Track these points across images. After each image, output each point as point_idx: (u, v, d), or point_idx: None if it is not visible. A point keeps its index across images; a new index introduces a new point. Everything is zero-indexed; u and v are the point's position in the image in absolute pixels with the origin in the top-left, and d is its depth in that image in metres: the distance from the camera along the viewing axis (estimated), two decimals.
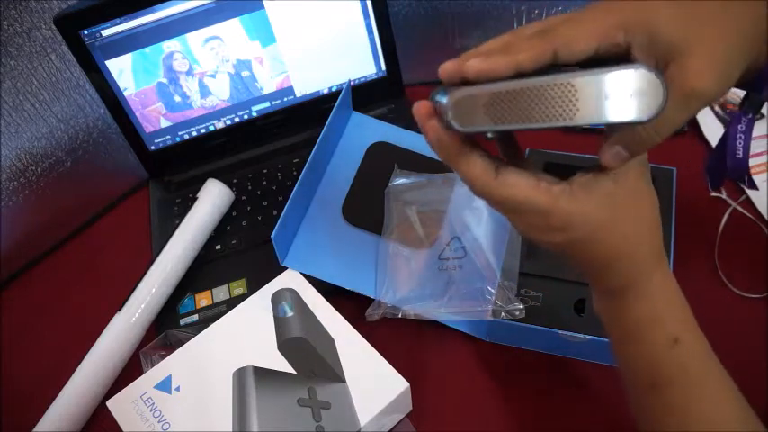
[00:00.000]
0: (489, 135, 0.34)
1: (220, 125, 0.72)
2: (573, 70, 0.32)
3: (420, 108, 0.37)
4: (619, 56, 0.34)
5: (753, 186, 0.47)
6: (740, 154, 0.44)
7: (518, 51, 0.33)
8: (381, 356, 0.52)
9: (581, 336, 0.52)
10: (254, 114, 0.73)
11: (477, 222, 0.59)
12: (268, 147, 0.75)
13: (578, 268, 0.40)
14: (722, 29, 0.34)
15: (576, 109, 0.32)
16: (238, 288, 0.64)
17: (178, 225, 0.64)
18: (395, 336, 0.58)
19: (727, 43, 0.34)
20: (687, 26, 0.33)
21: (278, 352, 0.44)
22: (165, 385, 0.52)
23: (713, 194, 0.64)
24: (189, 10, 0.63)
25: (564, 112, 0.32)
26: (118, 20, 0.62)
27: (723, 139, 0.45)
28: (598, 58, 0.34)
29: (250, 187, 0.72)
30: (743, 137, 0.44)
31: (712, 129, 0.69)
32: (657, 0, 0.34)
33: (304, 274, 0.57)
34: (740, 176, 0.45)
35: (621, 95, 0.31)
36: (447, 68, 0.35)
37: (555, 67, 0.34)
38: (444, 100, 0.34)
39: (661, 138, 0.34)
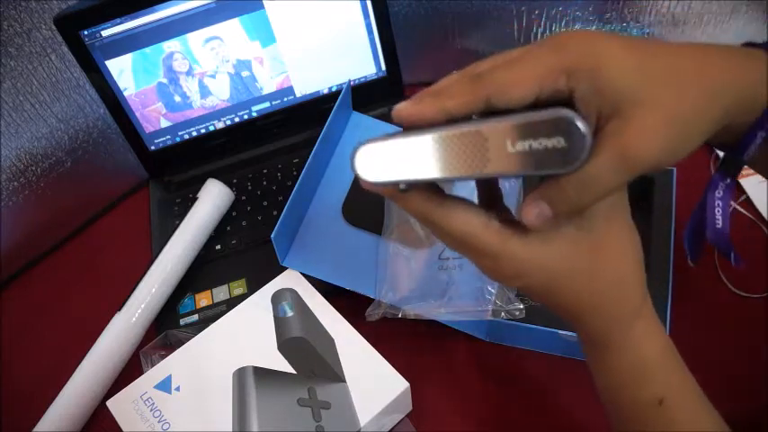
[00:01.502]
0: (402, 187, 0.32)
1: (220, 125, 0.72)
2: (491, 117, 0.29)
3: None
4: (562, 102, 0.29)
5: (738, 262, 0.41)
6: (720, 224, 0.39)
7: (449, 96, 0.30)
8: (381, 356, 0.52)
9: None
10: (254, 114, 0.73)
11: None
12: (268, 147, 0.75)
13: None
14: (688, 83, 0.30)
15: (486, 159, 0.29)
16: (238, 288, 0.64)
17: (178, 225, 0.64)
18: (395, 336, 0.58)
19: (688, 105, 0.29)
20: (641, 79, 0.29)
21: (278, 352, 0.44)
22: (165, 385, 0.52)
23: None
24: (189, 10, 0.63)
25: (474, 164, 0.30)
26: (118, 20, 0.62)
27: (701, 207, 0.40)
28: (540, 104, 0.30)
29: (250, 187, 0.72)
30: (721, 204, 0.39)
31: None
32: (610, 43, 0.29)
33: (304, 274, 0.57)
34: (724, 250, 0.41)
35: (538, 144, 0.28)
36: (395, 110, 0.32)
37: (492, 112, 0.31)
38: (352, 154, 0.32)
39: (590, 200, 0.30)
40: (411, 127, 0.32)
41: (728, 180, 0.38)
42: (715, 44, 0.32)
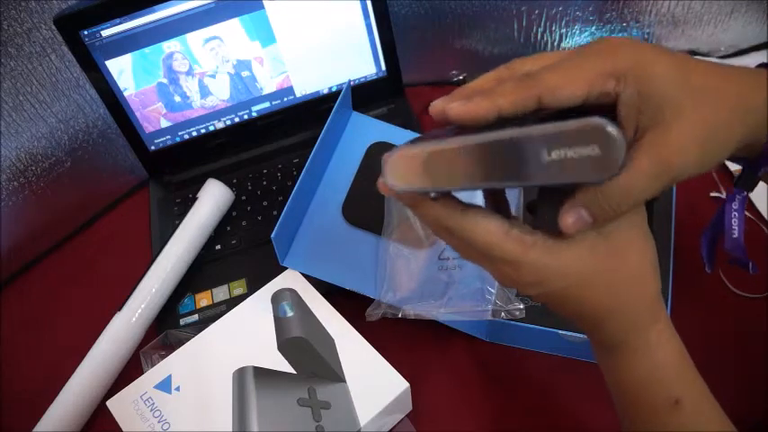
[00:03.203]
0: (433, 195, 0.32)
1: (220, 125, 0.72)
2: (529, 123, 0.29)
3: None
4: (608, 106, 0.31)
5: (755, 270, 0.43)
6: (736, 234, 0.42)
7: (501, 95, 0.30)
8: (381, 356, 0.52)
9: (581, 336, 0.52)
10: (254, 114, 0.73)
11: None
12: (268, 147, 0.75)
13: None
14: (722, 100, 0.31)
15: (520, 168, 0.29)
16: (238, 288, 0.64)
17: (178, 225, 0.64)
18: (395, 336, 0.58)
19: (723, 117, 0.31)
20: (683, 90, 0.30)
21: (278, 352, 0.44)
22: (165, 385, 0.52)
23: (713, 194, 0.64)
24: (189, 10, 0.63)
25: (508, 172, 0.29)
26: (118, 20, 0.62)
27: (718, 218, 0.43)
28: (587, 106, 0.31)
29: (250, 187, 0.72)
30: (737, 215, 0.41)
31: None
32: (658, 56, 0.31)
33: (304, 274, 0.57)
34: (740, 259, 0.42)
35: (573, 152, 0.28)
36: (435, 107, 0.32)
37: (535, 113, 0.31)
38: (385, 161, 0.32)
39: (629, 206, 0.31)
40: (436, 133, 0.32)
41: (744, 193, 0.40)
42: (745, 68, 0.34)
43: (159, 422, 0.50)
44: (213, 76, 0.69)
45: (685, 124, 0.30)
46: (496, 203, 0.38)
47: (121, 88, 0.66)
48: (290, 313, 0.44)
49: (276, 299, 0.45)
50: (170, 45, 0.65)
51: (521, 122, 0.30)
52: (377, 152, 0.66)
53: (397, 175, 0.31)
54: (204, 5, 0.64)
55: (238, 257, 0.67)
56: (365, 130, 0.67)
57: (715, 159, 0.32)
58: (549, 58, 0.33)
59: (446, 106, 0.31)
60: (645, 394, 0.36)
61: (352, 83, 0.72)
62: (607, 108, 0.31)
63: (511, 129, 0.29)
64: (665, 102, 0.30)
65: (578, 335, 0.52)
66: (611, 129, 0.27)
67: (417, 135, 0.67)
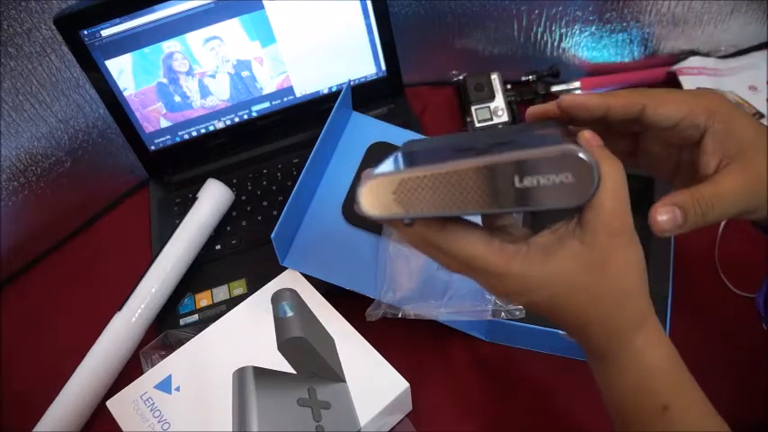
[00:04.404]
0: (407, 221, 0.32)
1: (220, 125, 0.72)
2: (496, 153, 0.29)
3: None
4: (692, 139, 0.37)
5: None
6: None
7: (613, 95, 0.36)
8: (381, 356, 0.52)
9: None
10: (254, 114, 0.73)
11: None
12: (268, 147, 0.75)
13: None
14: None
15: (494, 195, 0.29)
16: (238, 288, 0.64)
17: (178, 225, 0.64)
18: (395, 336, 0.58)
19: None
20: (758, 135, 0.36)
21: (278, 352, 0.44)
22: (165, 385, 0.52)
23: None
24: (189, 10, 0.63)
25: (481, 200, 0.30)
26: (118, 20, 0.62)
27: None
28: (678, 133, 0.37)
29: (250, 187, 0.72)
30: None
31: None
32: (737, 108, 0.37)
33: (304, 274, 0.57)
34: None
35: (546, 180, 0.29)
36: (535, 111, 0.39)
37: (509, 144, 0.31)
38: (357, 189, 0.32)
39: (717, 217, 0.36)
40: (415, 160, 0.32)
41: None
42: None
43: (159, 422, 0.50)
44: (213, 76, 0.69)
45: (762, 159, 0.36)
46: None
47: (121, 88, 0.66)
48: (290, 313, 0.44)
49: (276, 299, 0.45)
50: (170, 45, 0.65)
51: (493, 151, 0.30)
52: (377, 152, 0.66)
53: (371, 205, 0.32)
54: (204, 5, 0.64)
55: (238, 257, 0.67)
56: (365, 130, 0.67)
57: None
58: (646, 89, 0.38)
59: (561, 98, 0.37)
60: (633, 401, 0.36)
61: (352, 83, 0.72)
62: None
63: (482, 156, 0.30)
64: (746, 140, 0.36)
65: None
66: (584, 156, 0.27)
67: (418, 133, 0.67)
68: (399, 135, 0.67)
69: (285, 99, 0.73)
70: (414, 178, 0.30)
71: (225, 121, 0.72)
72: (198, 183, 0.68)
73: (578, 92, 0.33)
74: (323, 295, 0.56)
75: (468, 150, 0.31)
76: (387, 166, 0.32)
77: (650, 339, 0.36)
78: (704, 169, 0.37)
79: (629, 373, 0.36)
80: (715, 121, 0.36)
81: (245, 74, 0.69)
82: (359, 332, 0.53)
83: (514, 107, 0.74)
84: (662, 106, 0.36)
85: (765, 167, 0.36)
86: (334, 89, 0.73)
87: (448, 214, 0.31)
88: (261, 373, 0.45)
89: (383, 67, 0.73)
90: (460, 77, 0.77)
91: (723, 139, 0.36)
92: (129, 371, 0.58)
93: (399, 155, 0.34)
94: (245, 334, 0.54)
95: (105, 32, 0.63)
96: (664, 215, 0.35)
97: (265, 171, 0.73)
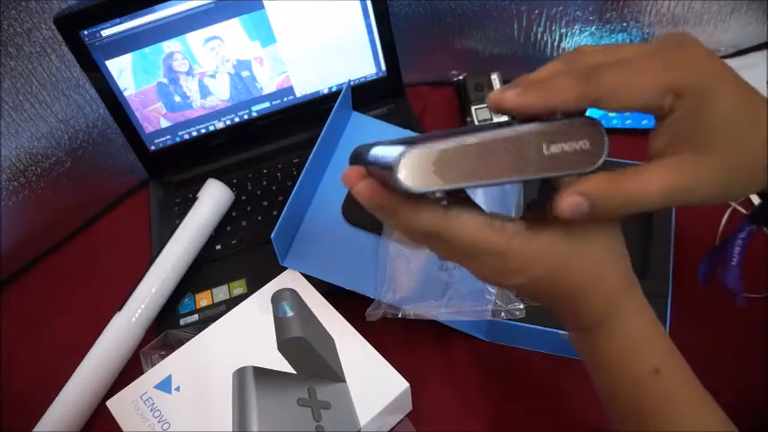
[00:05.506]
0: (439, 195, 0.32)
1: (220, 125, 0.72)
2: (523, 124, 0.31)
3: (350, 175, 0.34)
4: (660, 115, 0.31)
5: (742, 303, 0.46)
6: (735, 261, 0.45)
7: (559, 92, 0.31)
8: (381, 356, 0.52)
9: None
10: (254, 114, 0.73)
11: None
12: (268, 147, 0.75)
13: (548, 307, 0.38)
14: (763, 144, 0.31)
15: (525, 163, 0.31)
16: (238, 288, 0.64)
17: (178, 225, 0.64)
18: (395, 336, 0.58)
19: (758, 161, 0.31)
20: (732, 128, 0.30)
21: (278, 352, 0.44)
22: (165, 385, 0.52)
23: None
24: (189, 10, 0.63)
25: (514, 167, 0.31)
26: (118, 20, 0.62)
27: (724, 243, 0.45)
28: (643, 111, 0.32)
29: (250, 187, 0.72)
30: (741, 244, 0.44)
31: None
32: (723, 78, 0.31)
33: (304, 274, 0.57)
34: (733, 287, 0.46)
35: (568, 146, 0.31)
36: (494, 96, 0.33)
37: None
38: (391, 159, 0.32)
39: (628, 212, 0.32)
40: (432, 138, 0.32)
41: (755, 226, 0.42)
42: None
43: (159, 422, 0.50)
44: (213, 76, 0.69)
45: (719, 161, 0.31)
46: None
47: (121, 88, 0.66)
48: (290, 313, 0.45)
49: (276, 299, 0.45)
50: (170, 45, 0.65)
51: (513, 125, 0.32)
52: None
53: (412, 176, 0.31)
54: (204, 5, 0.64)
55: (238, 257, 0.67)
56: (365, 130, 0.67)
57: (737, 197, 0.34)
58: (613, 53, 0.32)
59: (503, 95, 0.32)
60: (626, 366, 0.37)
61: (352, 83, 0.72)
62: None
63: (512, 128, 0.31)
64: (711, 135, 0.30)
65: None
66: (601, 127, 0.31)
67: (417, 133, 0.67)
68: (399, 135, 0.67)
69: (285, 99, 0.73)
70: (455, 148, 0.31)
71: (225, 121, 0.72)
72: (198, 183, 0.68)
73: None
74: (323, 295, 0.56)
75: (484, 128, 0.32)
76: (393, 149, 0.32)
77: (639, 303, 0.37)
78: (649, 149, 0.32)
79: (620, 338, 0.36)
80: (681, 105, 0.30)
81: (245, 74, 0.69)
82: (359, 332, 0.53)
83: None
84: (618, 97, 0.30)
85: (717, 168, 0.31)
86: (334, 89, 0.73)
87: (482, 183, 0.32)
88: (261, 373, 0.45)
89: (383, 67, 0.73)
90: (460, 77, 0.77)
91: (682, 122, 0.30)
92: (129, 371, 0.58)
93: (398, 142, 0.34)
94: (245, 334, 0.54)
95: (105, 32, 0.63)
96: (566, 202, 0.32)
97: (265, 171, 0.73)
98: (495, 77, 0.74)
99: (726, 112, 0.30)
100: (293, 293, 0.46)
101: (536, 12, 0.72)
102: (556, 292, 0.36)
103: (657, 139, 0.32)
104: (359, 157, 0.37)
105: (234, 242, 0.68)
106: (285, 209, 0.54)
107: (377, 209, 0.34)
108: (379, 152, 0.33)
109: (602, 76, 0.31)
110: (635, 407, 0.37)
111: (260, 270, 0.61)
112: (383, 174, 0.32)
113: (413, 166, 0.31)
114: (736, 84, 0.31)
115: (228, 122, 0.72)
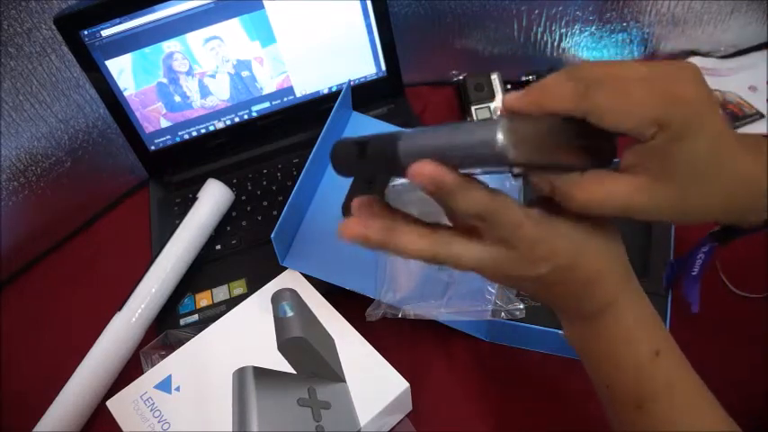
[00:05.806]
0: (516, 171, 0.33)
1: (220, 125, 0.72)
2: None
3: (425, 168, 0.33)
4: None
5: (695, 310, 0.50)
6: (695, 272, 0.48)
7: (553, 99, 0.33)
8: (381, 356, 0.52)
9: None
10: (254, 114, 0.73)
11: None
12: (268, 147, 0.75)
13: (551, 301, 0.38)
14: (726, 185, 0.33)
15: (570, 148, 0.33)
16: (238, 288, 0.64)
17: (178, 225, 0.64)
18: (395, 336, 0.58)
19: (717, 201, 0.34)
20: (705, 166, 0.32)
21: (278, 352, 0.44)
22: (165, 385, 0.52)
23: None
24: (189, 10, 0.63)
25: (568, 152, 0.33)
26: (118, 20, 0.62)
27: (689, 255, 0.48)
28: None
29: (250, 187, 0.72)
30: (703, 258, 0.46)
31: None
32: (708, 120, 0.32)
33: (304, 274, 0.57)
34: (689, 296, 0.49)
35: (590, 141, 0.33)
36: (503, 99, 0.36)
37: None
38: (484, 134, 0.31)
39: (590, 210, 0.34)
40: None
41: (716, 244, 0.44)
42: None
43: (159, 422, 0.50)
44: (213, 76, 0.69)
45: (677, 194, 0.33)
46: None
47: (121, 88, 0.66)
48: (290, 313, 0.44)
49: (276, 299, 0.45)
50: (170, 45, 0.65)
51: None
52: None
53: (515, 146, 0.31)
54: (204, 5, 0.64)
55: (238, 257, 0.67)
56: (365, 130, 0.67)
57: (696, 224, 0.35)
58: (617, 70, 0.33)
59: (508, 96, 0.35)
60: (627, 349, 0.37)
61: (352, 83, 0.72)
62: None
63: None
64: (678, 169, 0.32)
65: None
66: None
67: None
68: None
69: (285, 99, 0.73)
70: (550, 126, 0.33)
71: (225, 121, 0.72)
72: (198, 183, 0.68)
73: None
74: (323, 295, 0.56)
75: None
76: (477, 126, 0.32)
77: (637, 293, 0.38)
78: (622, 161, 0.34)
79: (621, 324, 0.37)
80: (661, 137, 0.31)
81: (245, 74, 0.69)
82: (359, 332, 0.53)
83: None
84: (605, 118, 0.32)
85: (675, 200, 0.33)
86: (334, 89, 0.73)
87: (554, 164, 0.33)
88: (261, 373, 0.45)
89: (383, 67, 0.73)
90: (460, 77, 0.77)
91: (655, 151, 0.32)
92: (129, 371, 0.58)
93: (392, 133, 0.34)
94: (245, 334, 0.54)
95: (105, 32, 0.63)
96: (587, 192, 0.34)
97: (265, 171, 0.73)
98: (495, 77, 0.74)
99: (697, 153, 0.32)
100: (293, 293, 0.46)
101: (536, 12, 0.72)
102: (571, 280, 0.36)
103: (630, 156, 0.33)
104: (386, 150, 0.36)
105: (234, 242, 0.68)
106: (285, 209, 0.54)
107: (437, 189, 0.33)
108: (447, 132, 0.33)
109: (596, 96, 0.32)
110: (635, 392, 0.37)
111: (260, 270, 0.61)
112: (455, 154, 0.32)
113: (516, 136, 0.31)
114: (717, 128, 0.32)
115: (228, 122, 0.72)
